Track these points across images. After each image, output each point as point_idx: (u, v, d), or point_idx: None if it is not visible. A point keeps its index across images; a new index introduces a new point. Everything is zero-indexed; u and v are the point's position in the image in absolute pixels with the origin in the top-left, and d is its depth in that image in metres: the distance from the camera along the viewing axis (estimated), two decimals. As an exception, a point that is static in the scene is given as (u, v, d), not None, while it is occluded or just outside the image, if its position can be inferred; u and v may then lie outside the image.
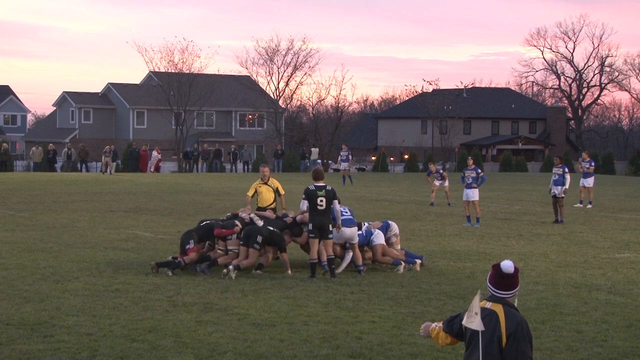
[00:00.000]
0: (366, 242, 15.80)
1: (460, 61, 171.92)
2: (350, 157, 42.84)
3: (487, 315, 5.89)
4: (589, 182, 29.95)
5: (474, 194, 23.72)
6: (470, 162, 24.69)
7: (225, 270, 14.58)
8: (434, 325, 6.36)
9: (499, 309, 5.90)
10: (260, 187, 17.35)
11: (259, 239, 14.90)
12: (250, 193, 17.42)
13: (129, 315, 11.55)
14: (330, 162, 65.87)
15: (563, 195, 24.73)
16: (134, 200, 30.37)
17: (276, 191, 17.43)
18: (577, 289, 14.12)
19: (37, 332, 10.55)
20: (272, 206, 17.25)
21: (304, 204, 14.80)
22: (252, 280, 14.30)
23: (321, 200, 14.68)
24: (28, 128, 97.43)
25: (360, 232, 15.71)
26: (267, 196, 17.33)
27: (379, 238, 15.79)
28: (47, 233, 20.36)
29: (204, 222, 15.86)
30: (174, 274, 14.65)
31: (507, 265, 6.00)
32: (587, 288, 14.26)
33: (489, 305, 5.96)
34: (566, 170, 25.21)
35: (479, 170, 24.21)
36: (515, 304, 6.02)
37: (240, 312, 11.85)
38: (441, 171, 30.87)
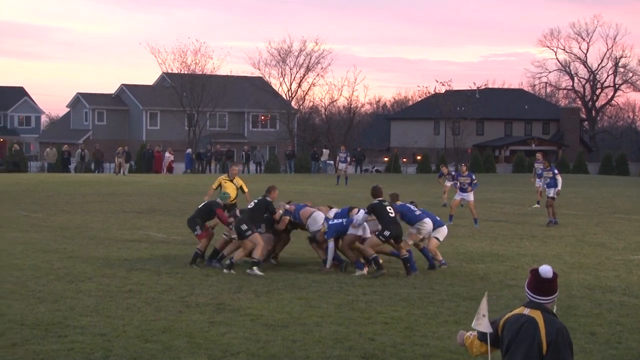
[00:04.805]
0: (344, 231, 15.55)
1: (470, 62, 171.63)
2: (348, 158, 43.56)
3: (526, 322, 5.73)
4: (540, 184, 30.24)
5: (469, 196, 24.21)
6: (464, 168, 25.14)
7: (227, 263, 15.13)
8: (468, 333, 6.20)
9: (537, 315, 5.75)
10: (225, 182, 18.80)
11: (244, 226, 15.15)
12: (214, 186, 19.03)
13: (142, 315, 11.58)
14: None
15: (555, 197, 24.88)
16: (147, 201, 30.45)
17: (240, 188, 18.88)
18: (591, 291, 14.07)
19: (51, 332, 10.58)
20: (234, 202, 18.50)
21: (362, 216, 15.33)
22: (264, 281, 14.31)
23: (390, 209, 15.31)
24: (42, 129, 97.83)
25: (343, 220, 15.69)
26: (229, 192, 18.54)
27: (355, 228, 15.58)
28: (60, 234, 20.44)
29: (202, 205, 16.48)
30: (197, 265, 15.23)
31: (546, 270, 5.83)
32: (601, 290, 14.20)
33: (527, 311, 5.80)
34: (556, 172, 25.46)
35: (473, 177, 24.75)
36: (554, 311, 5.87)
37: (253, 312, 11.86)
38: (453, 173, 30.85)
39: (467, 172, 24.79)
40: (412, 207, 16.11)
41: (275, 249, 16.42)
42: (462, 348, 6.35)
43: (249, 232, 15.13)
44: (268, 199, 15.77)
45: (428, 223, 15.94)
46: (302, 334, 10.74)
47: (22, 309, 11.82)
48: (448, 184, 30.25)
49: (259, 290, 13.53)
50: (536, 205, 29.62)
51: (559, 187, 25.04)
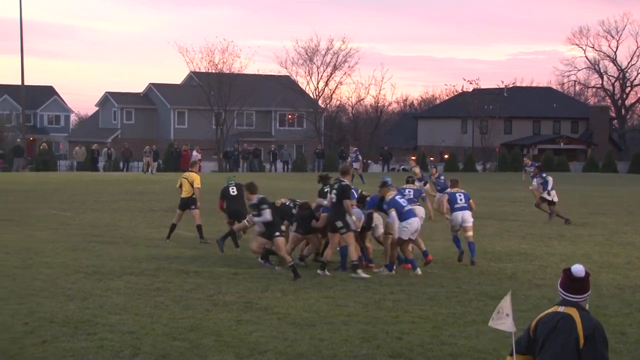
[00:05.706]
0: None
1: (498, 60, 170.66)
2: (359, 157, 43.71)
3: (562, 318, 5.85)
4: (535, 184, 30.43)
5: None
6: (434, 171, 26.58)
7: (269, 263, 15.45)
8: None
9: (573, 311, 5.87)
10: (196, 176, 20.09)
11: (339, 223, 14.86)
12: (196, 184, 20.38)
13: (170, 314, 11.64)
14: (369, 162, 65.69)
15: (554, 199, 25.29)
16: (175, 199, 30.45)
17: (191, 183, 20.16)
18: (621, 290, 13.95)
19: (80, 330, 10.67)
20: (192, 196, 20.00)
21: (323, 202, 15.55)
22: (291, 280, 14.33)
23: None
24: (71, 128, 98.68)
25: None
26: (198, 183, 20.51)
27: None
28: (89, 232, 20.61)
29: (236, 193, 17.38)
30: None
31: (578, 269, 5.95)
32: (631, 289, 14.08)
33: (561, 309, 5.92)
34: (542, 175, 25.99)
35: (442, 177, 25.97)
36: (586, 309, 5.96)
37: (280, 311, 11.89)
38: (422, 178, 29.82)
39: (437, 174, 26.13)
40: (458, 198, 16.70)
41: (317, 248, 16.19)
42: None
43: (344, 230, 14.82)
44: (344, 182, 15.03)
45: (456, 217, 16.58)
46: (329, 332, 10.75)
47: (52, 307, 11.93)
48: (417, 183, 29.78)
49: (286, 289, 13.56)
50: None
51: (534, 186, 26.10)
